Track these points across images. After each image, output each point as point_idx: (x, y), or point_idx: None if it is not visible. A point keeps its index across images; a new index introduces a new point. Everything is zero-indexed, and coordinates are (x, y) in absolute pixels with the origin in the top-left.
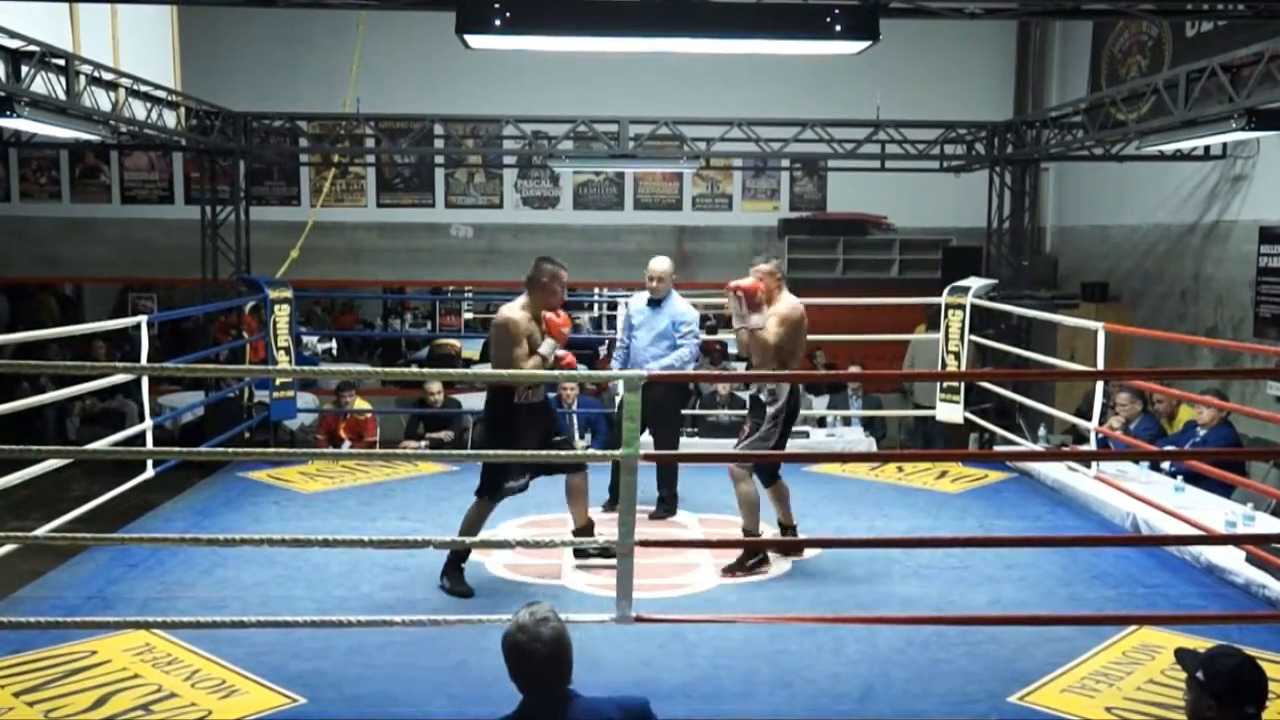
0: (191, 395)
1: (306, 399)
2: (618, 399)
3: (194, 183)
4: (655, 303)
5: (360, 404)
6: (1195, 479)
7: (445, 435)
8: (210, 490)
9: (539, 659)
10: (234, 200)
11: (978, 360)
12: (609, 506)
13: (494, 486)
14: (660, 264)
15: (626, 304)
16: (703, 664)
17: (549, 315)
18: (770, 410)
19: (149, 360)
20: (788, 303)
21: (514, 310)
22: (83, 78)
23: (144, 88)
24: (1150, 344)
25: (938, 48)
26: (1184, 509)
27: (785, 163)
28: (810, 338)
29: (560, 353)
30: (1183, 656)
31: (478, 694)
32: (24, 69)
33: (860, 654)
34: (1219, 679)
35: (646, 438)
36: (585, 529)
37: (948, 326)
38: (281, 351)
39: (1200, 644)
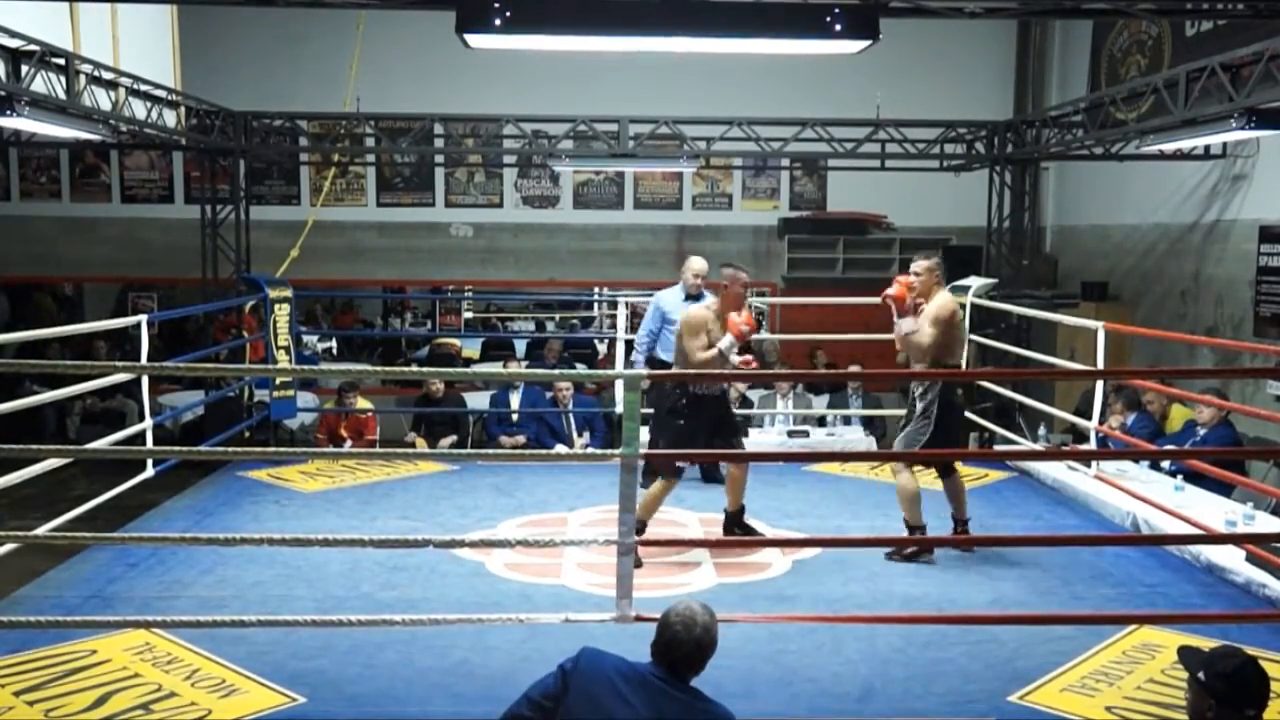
0: (191, 395)
1: (306, 398)
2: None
3: (194, 182)
4: (693, 298)
5: (362, 403)
6: (1195, 478)
7: (449, 440)
8: (210, 490)
9: (680, 642)
10: (234, 200)
11: (978, 360)
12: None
13: (670, 466)
14: (704, 263)
15: (656, 298)
16: None
17: (730, 315)
18: (920, 406)
19: (149, 360)
20: (937, 302)
21: (698, 308)
22: (83, 77)
23: (144, 87)
24: (1150, 343)
25: (938, 48)
26: (1184, 508)
27: (785, 162)
28: (810, 337)
29: (736, 358)
30: (1185, 655)
31: (479, 693)
32: (24, 69)
33: (860, 654)
34: (1220, 680)
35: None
36: (737, 514)
37: None
38: (281, 351)
39: (1202, 643)
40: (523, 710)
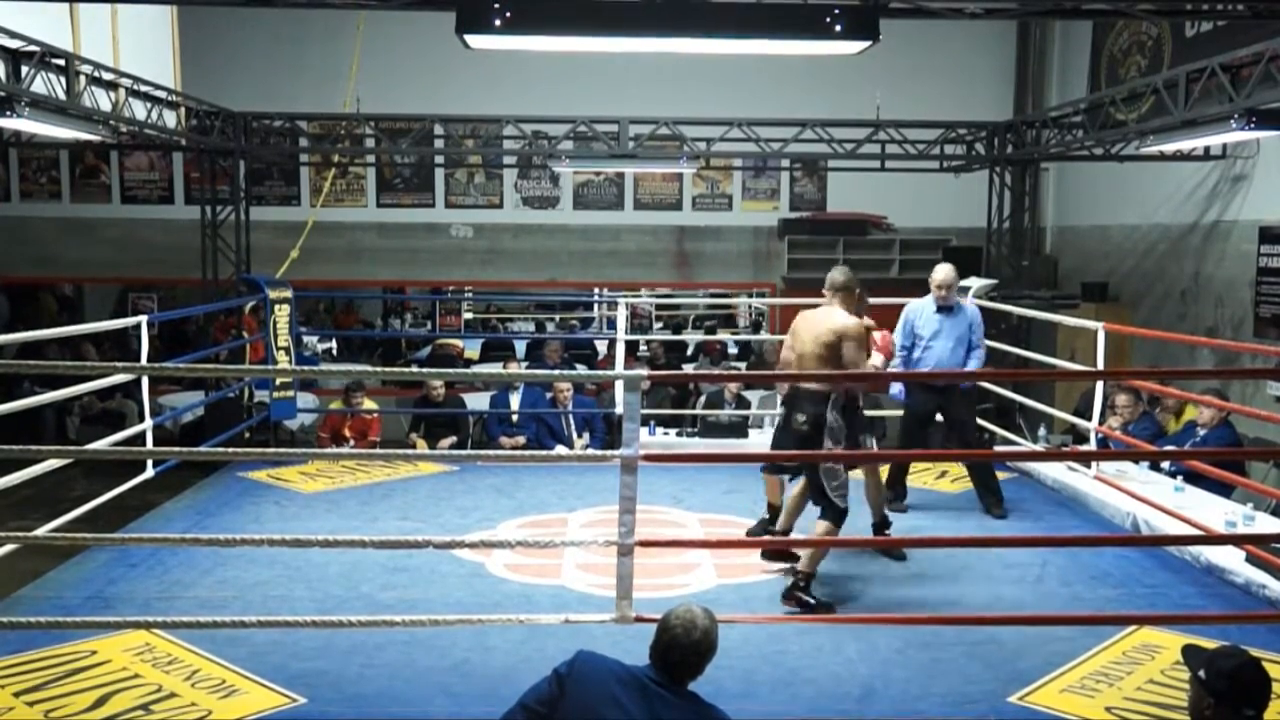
0: (191, 395)
1: (306, 399)
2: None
3: (194, 183)
4: (945, 309)
5: (368, 404)
6: (1195, 479)
7: (449, 440)
8: (210, 490)
9: (679, 645)
10: (234, 200)
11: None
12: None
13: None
14: (948, 273)
15: (908, 312)
16: None
17: (876, 336)
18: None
19: (149, 360)
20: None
21: (850, 319)
22: (83, 78)
23: (144, 88)
24: (1150, 344)
25: (938, 48)
26: (1184, 509)
27: (785, 163)
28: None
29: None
30: (1188, 654)
31: (479, 693)
32: (24, 69)
33: (860, 654)
34: (1219, 679)
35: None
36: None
37: None
38: (281, 351)
39: (1204, 644)
40: (517, 716)
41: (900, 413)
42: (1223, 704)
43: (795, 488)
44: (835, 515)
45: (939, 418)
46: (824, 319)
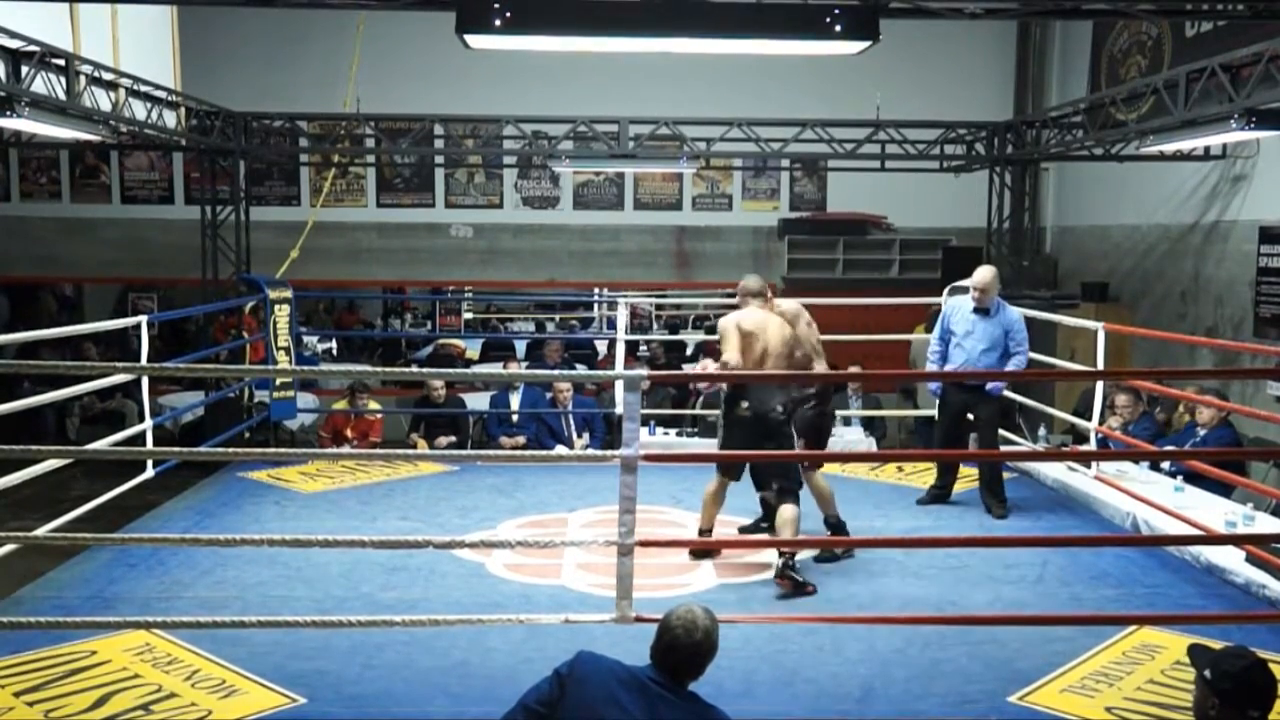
0: (191, 395)
1: (307, 399)
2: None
3: (194, 183)
4: (983, 311)
5: (372, 404)
6: (1195, 479)
7: (448, 439)
8: (210, 490)
9: (680, 646)
10: (234, 200)
11: None
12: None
13: (725, 468)
14: (984, 276)
15: (946, 307)
16: None
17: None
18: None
19: (149, 360)
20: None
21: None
22: (83, 78)
23: (144, 88)
24: (1150, 344)
25: (938, 48)
26: (1184, 509)
27: (785, 163)
28: None
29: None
30: (1194, 653)
31: (478, 693)
32: (24, 69)
33: (860, 654)
34: (1225, 679)
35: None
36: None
37: None
38: (281, 351)
39: (1212, 644)
40: (518, 716)
41: (899, 413)
42: (1228, 705)
43: (711, 485)
44: (794, 496)
45: (970, 416)
46: (775, 319)
